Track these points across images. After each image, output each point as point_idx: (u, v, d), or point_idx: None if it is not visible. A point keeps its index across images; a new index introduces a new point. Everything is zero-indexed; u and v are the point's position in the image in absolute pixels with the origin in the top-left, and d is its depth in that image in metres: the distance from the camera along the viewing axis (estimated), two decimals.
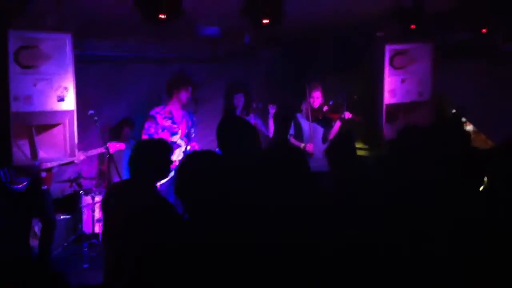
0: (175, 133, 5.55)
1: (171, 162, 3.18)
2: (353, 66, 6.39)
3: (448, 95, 6.21)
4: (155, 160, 3.05)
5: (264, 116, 6.25)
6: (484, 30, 4.90)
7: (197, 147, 5.66)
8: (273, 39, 6.50)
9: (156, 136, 5.35)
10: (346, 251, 2.28)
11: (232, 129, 3.13)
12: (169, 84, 5.69)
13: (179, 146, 5.55)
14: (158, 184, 5.15)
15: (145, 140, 3.79)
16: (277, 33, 4.32)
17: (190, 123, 5.65)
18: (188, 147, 5.56)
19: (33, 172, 4.83)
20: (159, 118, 5.50)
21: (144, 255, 2.63)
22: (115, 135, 6.19)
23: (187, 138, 5.59)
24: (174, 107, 5.60)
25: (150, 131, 5.46)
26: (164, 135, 5.45)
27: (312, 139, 5.99)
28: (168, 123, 5.53)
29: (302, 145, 5.98)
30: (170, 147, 3.19)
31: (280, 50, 7.30)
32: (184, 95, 5.56)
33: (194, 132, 5.71)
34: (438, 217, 2.64)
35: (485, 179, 2.87)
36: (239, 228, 2.22)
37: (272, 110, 6.15)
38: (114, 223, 3.00)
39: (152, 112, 5.55)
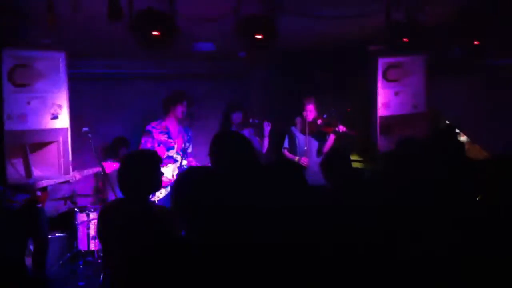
0: (171, 148, 5.54)
1: (160, 173, 3.11)
2: (347, 80, 6.42)
3: (441, 108, 6.25)
4: (144, 172, 2.99)
5: (260, 132, 6.25)
6: (476, 42, 4.93)
7: (193, 162, 5.64)
8: (266, 55, 6.53)
9: None
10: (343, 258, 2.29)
11: (227, 144, 3.10)
12: (165, 100, 5.69)
13: (175, 161, 5.53)
14: (155, 198, 5.18)
15: (131, 154, 3.72)
16: (270, 49, 4.33)
17: (186, 138, 5.65)
18: (185, 162, 5.54)
19: (29, 189, 4.81)
20: (155, 132, 5.50)
21: (143, 266, 2.60)
22: (112, 155, 6.17)
23: (183, 153, 5.58)
24: (171, 122, 5.60)
25: (147, 145, 5.45)
26: (160, 149, 5.43)
27: (307, 153, 5.99)
28: (164, 137, 5.52)
29: (297, 158, 5.99)
30: (158, 159, 3.12)
31: (275, 65, 7.34)
32: (180, 110, 5.56)
33: (190, 147, 5.71)
34: (434, 229, 2.65)
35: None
36: (235, 245, 2.22)
37: (267, 127, 6.15)
38: (111, 241, 2.99)
39: (148, 127, 5.54)
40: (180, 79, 7.02)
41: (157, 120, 5.60)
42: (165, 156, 5.43)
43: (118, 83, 6.84)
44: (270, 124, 6.15)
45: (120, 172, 3.03)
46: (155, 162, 3.09)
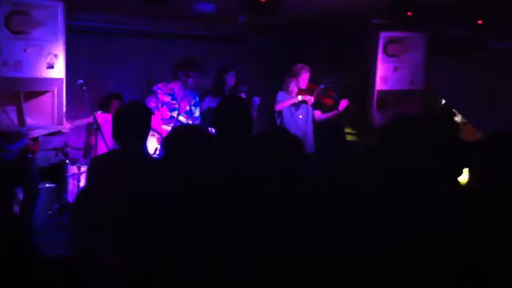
0: (174, 109, 5.53)
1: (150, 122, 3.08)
2: (346, 54, 6.37)
3: (437, 88, 6.24)
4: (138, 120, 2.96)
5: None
6: (480, 22, 4.90)
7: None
8: (265, 25, 6.45)
9: (156, 111, 5.34)
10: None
11: (233, 109, 3.08)
12: (178, 64, 5.59)
13: (180, 122, 5.52)
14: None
15: (125, 104, 3.65)
16: (270, 19, 4.25)
17: (192, 102, 5.63)
18: (190, 121, 5.56)
19: (21, 137, 4.80)
20: (160, 93, 5.50)
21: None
22: (103, 107, 6.13)
23: (189, 115, 5.58)
24: (177, 86, 5.57)
25: (151, 105, 5.45)
26: (163, 110, 5.46)
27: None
28: (168, 98, 5.51)
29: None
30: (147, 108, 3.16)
31: (274, 33, 7.27)
32: (192, 77, 5.49)
33: (197, 111, 5.69)
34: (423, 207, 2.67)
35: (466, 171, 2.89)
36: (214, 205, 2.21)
37: (256, 101, 6.02)
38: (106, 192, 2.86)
39: (154, 88, 5.56)
40: (177, 39, 6.95)
41: (163, 82, 5.59)
42: (168, 116, 5.46)
43: (115, 39, 6.75)
44: (259, 99, 6.02)
45: (116, 120, 2.97)
46: (147, 110, 3.10)
